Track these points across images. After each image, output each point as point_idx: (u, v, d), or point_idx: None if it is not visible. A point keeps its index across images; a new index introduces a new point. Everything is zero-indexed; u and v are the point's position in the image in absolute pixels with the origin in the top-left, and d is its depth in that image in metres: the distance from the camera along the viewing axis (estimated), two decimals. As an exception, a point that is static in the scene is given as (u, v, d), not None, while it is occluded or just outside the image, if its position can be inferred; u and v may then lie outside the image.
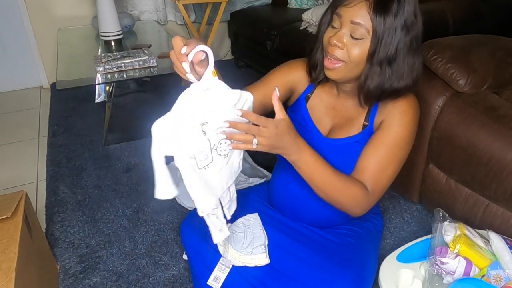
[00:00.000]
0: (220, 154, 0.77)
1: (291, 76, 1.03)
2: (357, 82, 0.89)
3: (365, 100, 0.91)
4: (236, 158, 0.82)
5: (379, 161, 0.90)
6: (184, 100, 0.70)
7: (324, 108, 1.02)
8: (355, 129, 0.96)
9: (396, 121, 0.90)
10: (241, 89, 0.77)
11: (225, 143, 0.76)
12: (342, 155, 0.96)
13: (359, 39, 0.82)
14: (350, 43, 0.83)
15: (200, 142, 0.72)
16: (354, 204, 0.88)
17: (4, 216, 1.00)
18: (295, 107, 1.06)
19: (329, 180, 0.85)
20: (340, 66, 0.86)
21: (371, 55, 0.83)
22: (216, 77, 0.72)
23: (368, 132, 0.95)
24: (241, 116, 0.74)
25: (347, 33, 0.83)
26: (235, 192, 0.88)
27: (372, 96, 0.89)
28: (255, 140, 0.74)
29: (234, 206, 0.89)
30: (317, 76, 0.97)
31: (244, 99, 0.75)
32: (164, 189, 0.72)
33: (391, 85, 0.86)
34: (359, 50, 0.83)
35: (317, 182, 0.85)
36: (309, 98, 1.04)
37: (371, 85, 0.86)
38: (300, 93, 1.05)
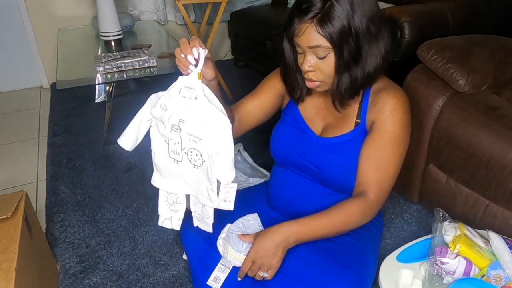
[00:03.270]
0: (189, 161, 0.82)
1: (280, 83, 1.06)
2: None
3: (340, 103, 0.93)
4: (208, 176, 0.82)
5: (379, 163, 0.92)
6: (173, 92, 0.79)
7: (315, 109, 1.04)
8: (348, 128, 0.98)
9: (389, 120, 0.91)
10: (227, 105, 0.85)
11: (196, 155, 0.80)
12: (336, 153, 0.97)
13: (324, 57, 0.84)
14: (319, 63, 0.86)
15: (174, 135, 0.80)
16: (362, 221, 0.93)
17: (4, 216, 1.00)
18: (288, 110, 1.08)
19: (329, 228, 0.89)
20: (321, 84, 0.90)
21: (338, 63, 0.84)
22: (200, 80, 0.77)
23: (361, 130, 0.96)
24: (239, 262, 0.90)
25: (312, 56, 0.86)
26: (211, 217, 0.87)
27: (346, 97, 0.92)
28: (260, 273, 0.88)
29: (204, 223, 0.90)
30: (299, 96, 1.01)
31: (219, 123, 0.76)
32: (126, 139, 0.86)
33: (363, 76, 0.88)
34: (329, 65, 0.86)
35: (321, 237, 0.90)
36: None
37: (343, 90, 0.89)
38: None
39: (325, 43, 0.81)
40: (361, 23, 0.81)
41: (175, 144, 0.81)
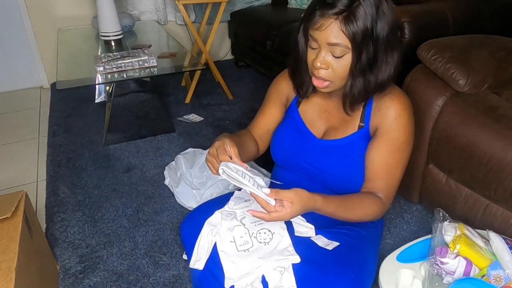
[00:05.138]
0: (260, 242, 0.90)
1: (282, 91, 1.07)
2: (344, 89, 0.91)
3: (351, 106, 0.93)
4: (282, 239, 0.91)
5: (388, 168, 0.94)
6: (228, 205, 0.96)
7: (317, 111, 1.04)
8: (350, 130, 0.98)
9: (394, 126, 0.92)
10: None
11: (265, 233, 0.90)
12: (337, 155, 0.97)
13: (341, 57, 0.83)
14: (333, 62, 0.85)
15: (238, 232, 0.90)
16: (374, 217, 0.95)
17: (4, 216, 1.00)
18: (289, 112, 1.09)
19: (348, 212, 0.91)
20: (329, 84, 0.88)
21: (354, 66, 0.84)
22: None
23: (364, 133, 0.96)
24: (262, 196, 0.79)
25: (327, 53, 0.84)
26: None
27: (358, 101, 0.91)
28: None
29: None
30: (305, 94, 1.00)
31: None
32: (199, 262, 0.91)
33: (376, 83, 0.88)
34: (343, 66, 0.84)
35: (338, 217, 0.91)
36: (301, 103, 1.07)
37: (356, 92, 0.88)
38: (292, 99, 1.08)
39: (346, 42, 0.80)
40: (382, 30, 0.81)
41: (241, 237, 0.89)
